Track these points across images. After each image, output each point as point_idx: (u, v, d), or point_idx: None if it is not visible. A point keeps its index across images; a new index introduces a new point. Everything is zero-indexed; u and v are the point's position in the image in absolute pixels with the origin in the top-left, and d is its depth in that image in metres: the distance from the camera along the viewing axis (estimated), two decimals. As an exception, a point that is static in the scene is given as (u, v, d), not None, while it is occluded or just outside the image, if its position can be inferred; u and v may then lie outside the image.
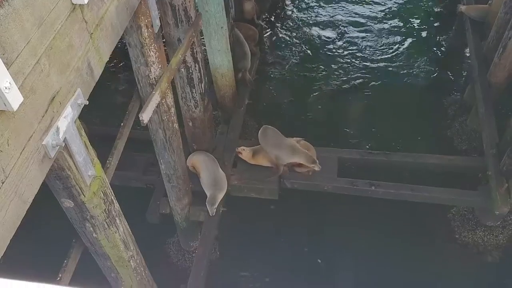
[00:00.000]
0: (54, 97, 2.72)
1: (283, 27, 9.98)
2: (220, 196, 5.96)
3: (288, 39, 9.70)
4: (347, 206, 6.61)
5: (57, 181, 3.11)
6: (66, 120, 2.84)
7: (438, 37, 9.51)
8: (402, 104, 8.27)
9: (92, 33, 3.05)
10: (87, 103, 3.02)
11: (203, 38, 6.41)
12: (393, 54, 9.27)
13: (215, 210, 5.84)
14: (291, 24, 10.04)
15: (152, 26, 3.94)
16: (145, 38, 3.92)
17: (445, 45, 9.29)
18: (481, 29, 7.78)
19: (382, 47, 9.42)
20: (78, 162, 3.07)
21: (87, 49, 3.01)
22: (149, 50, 4.02)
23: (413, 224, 6.59)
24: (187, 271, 6.26)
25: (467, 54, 8.33)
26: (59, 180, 3.10)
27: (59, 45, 2.70)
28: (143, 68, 4.16)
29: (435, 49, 9.33)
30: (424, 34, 9.70)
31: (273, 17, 10.07)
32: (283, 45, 9.56)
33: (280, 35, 9.77)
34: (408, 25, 9.83)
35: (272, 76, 8.98)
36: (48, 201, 3.56)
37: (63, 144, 2.83)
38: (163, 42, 4.41)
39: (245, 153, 6.34)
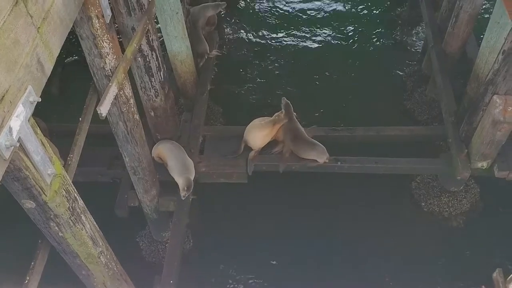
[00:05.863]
0: (3, 96, 2.61)
1: (243, 9, 9.87)
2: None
3: (249, 22, 9.61)
4: (314, 183, 6.69)
5: (15, 182, 3.01)
6: (19, 119, 2.74)
7: (393, 11, 9.61)
8: (362, 79, 8.38)
9: (39, 28, 2.94)
10: (40, 100, 2.92)
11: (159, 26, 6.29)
12: (351, 30, 9.34)
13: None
14: (251, 6, 9.94)
15: (103, 16, 3.83)
16: (97, 29, 3.81)
17: (401, 18, 9.39)
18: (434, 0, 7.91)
19: (339, 24, 9.46)
20: (36, 161, 2.98)
21: (35, 44, 2.90)
22: (102, 41, 3.92)
23: (380, 195, 6.74)
24: (161, 262, 6.23)
25: (423, 26, 8.47)
26: (17, 181, 3.00)
27: (4, 42, 2.59)
28: (97, 60, 4.05)
29: (391, 23, 9.43)
30: (379, 8, 9.79)
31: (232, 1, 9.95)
32: (244, 28, 9.48)
33: (241, 18, 9.67)
34: (363, 1, 9.90)
35: (233, 59, 8.91)
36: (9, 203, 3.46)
37: (18, 144, 2.73)
38: (117, 31, 4.31)
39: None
